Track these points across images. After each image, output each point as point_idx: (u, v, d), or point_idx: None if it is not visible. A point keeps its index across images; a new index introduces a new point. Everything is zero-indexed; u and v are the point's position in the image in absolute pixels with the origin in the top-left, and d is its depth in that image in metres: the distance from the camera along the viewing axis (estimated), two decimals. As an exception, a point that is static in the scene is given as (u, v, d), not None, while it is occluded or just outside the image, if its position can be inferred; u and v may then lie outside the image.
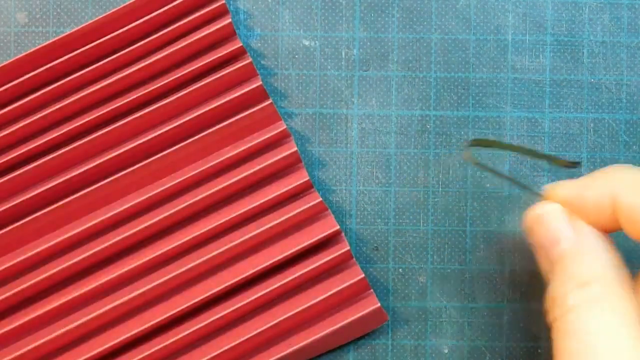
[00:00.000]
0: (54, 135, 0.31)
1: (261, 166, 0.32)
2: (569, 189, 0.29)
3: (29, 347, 0.30)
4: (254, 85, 0.33)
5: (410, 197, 0.35)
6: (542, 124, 0.36)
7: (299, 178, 0.33)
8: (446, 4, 0.36)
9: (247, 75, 0.33)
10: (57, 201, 0.31)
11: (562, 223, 0.29)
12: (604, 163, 0.35)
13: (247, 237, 0.32)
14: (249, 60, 0.33)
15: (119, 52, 0.32)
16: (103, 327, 0.31)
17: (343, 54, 0.36)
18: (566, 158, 0.35)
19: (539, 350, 0.35)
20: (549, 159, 0.34)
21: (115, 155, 0.32)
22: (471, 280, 0.35)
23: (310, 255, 0.33)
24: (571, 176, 0.34)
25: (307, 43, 0.36)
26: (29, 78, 0.31)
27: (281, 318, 0.31)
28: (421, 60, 0.36)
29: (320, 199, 0.33)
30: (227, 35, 0.33)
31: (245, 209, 0.32)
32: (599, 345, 0.25)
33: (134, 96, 0.32)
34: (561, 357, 0.26)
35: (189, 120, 0.32)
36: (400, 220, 0.35)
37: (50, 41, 0.31)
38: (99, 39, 0.32)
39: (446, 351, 0.35)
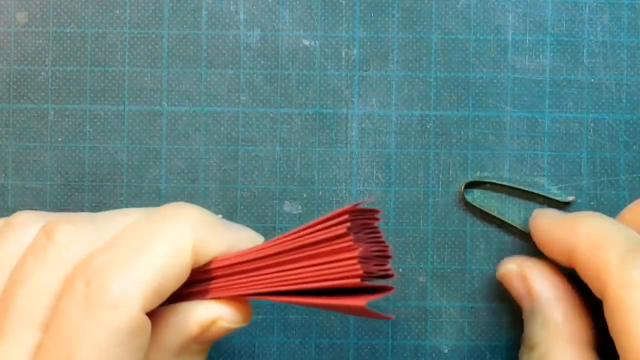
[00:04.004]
0: None
1: None
2: (546, 222, 0.32)
3: None
4: None
5: (410, 197, 0.35)
6: (542, 124, 0.36)
7: None
8: (446, 4, 0.36)
9: None
10: None
11: (520, 283, 0.31)
12: (604, 163, 0.35)
13: None
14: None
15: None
16: None
17: (343, 54, 0.36)
18: (559, 198, 0.35)
19: (539, 350, 0.35)
20: (543, 198, 0.35)
21: None
22: (471, 280, 0.35)
23: None
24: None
25: (307, 43, 0.36)
26: None
27: None
28: (421, 60, 0.36)
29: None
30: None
31: None
32: None
33: None
34: None
35: None
36: (400, 220, 0.35)
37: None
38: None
39: (446, 351, 0.35)
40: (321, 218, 0.25)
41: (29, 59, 0.36)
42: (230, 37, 0.36)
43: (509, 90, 0.36)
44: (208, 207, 0.35)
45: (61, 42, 0.36)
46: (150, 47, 0.36)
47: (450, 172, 0.35)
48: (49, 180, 0.36)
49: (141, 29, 0.36)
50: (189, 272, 0.26)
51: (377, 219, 0.26)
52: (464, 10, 0.36)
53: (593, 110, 0.36)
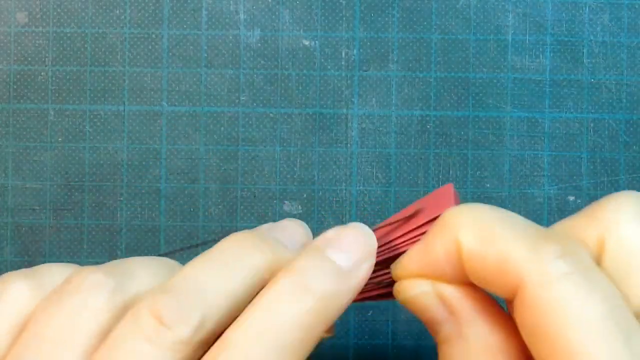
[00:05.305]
0: None
1: None
2: (416, 259, 0.25)
3: None
4: None
5: (410, 197, 0.35)
6: (542, 124, 0.36)
7: None
8: (446, 4, 0.36)
9: None
10: None
11: (439, 306, 0.25)
12: (604, 163, 0.35)
13: None
14: None
15: None
16: None
17: (343, 54, 0.36)
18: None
19: (539, 351, 0.35)
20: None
21: None
22: (471, 280, 0.35)
23: None
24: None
25: (307, 43, 0.36)
26: None
27: None
28: (421, 60, 0.36)
29: None
30: None
31: None
32: None
33: None
34: None
35: None
36: (400, 220, 0.35)
37: None
38: None
39: (446, 351, 0.35)
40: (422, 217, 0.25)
41: (29, 59, 0.36)
42: (230, 37, 0.36)
43: (509, 90, 0.36)
44: (208, 207, 0.35)
45: (61, 42, 0.36)
46: (150, 47, 0.36)
47: (450, 172, 0.35)
48: (49, 180, 0.36)
49: (141, 29, 0.36)
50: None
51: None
52: (464, 10, 0.36)
53: (593, 110, 0.36)
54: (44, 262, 0.35)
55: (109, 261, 0.27)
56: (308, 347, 0.23)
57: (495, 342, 0.25)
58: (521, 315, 0.23)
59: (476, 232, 0.23)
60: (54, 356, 0.23)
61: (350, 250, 0.25)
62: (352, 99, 0.36)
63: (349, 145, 0.35)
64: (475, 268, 0.23)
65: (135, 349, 0.23)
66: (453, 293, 0.25)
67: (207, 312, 0.23)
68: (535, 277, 0.22)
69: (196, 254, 0.24)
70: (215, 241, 0.25)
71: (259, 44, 0.36)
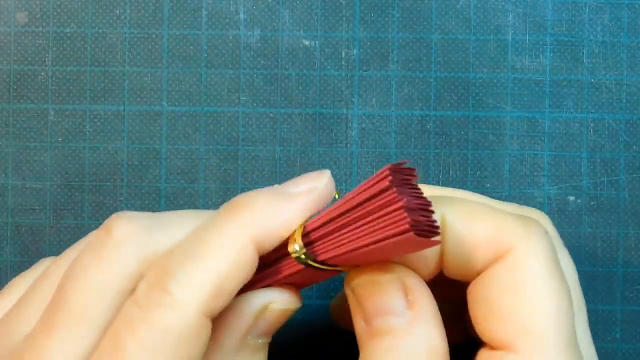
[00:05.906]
0: None
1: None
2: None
3: None
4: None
5: (410, 197, 0.35)
6: (542, 124, 0.36)
7: None
8: (446, 4, 0.36)
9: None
10: None
11: (400, 293, 0.25)
12: (604, 163, 0.35)
13: None
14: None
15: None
16: None
17: (343, 54, 0.36)
18: None
19: (539, 350, 0.35)
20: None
21: None
22: (471, 280, 0.35)
23: None
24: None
25: (307, 43, 0.36)
26: None
27: None
28: (421, 60, 0.36)
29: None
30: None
31: None
32: None
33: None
34: None
35: None
36: (400, 220, 0.35)
37: None
38: None
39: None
40: (367, 180, 0.26)
41: (29, 59, 0.36)
42: (230, 37, 0.36)
43: (509, 90, 0.36)
44: (208, 207, 0.35)
45: (61, 42, 0.36)
46: (150, 47, 0.36)
47: (450, 172, 0.35)
48: (49, 180, 0.36)
49: (141, 29, 0.36)
50: (254, 266, 0.24)
51: (415, 177, 0.25)
52: (464, 10, 0.36)
53: (593, 110, 0.36)
54: (44, 262, 0.35)
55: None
56: (235, 282, 0.23)
57: (438, 345, 0.25)
58: (490, 284, 0.24)
59: (461, 207, 0.25)
60: (84, 305, 0.23)
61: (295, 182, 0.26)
62: (352, 99, 0.36)
63: (349, 145, 0.35)
64: (460, 239, 0.25)
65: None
66: (417, 285, 0.25)
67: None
68: (524, 248, 0.24)
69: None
70: None
71: (259, 44, 0.36)
